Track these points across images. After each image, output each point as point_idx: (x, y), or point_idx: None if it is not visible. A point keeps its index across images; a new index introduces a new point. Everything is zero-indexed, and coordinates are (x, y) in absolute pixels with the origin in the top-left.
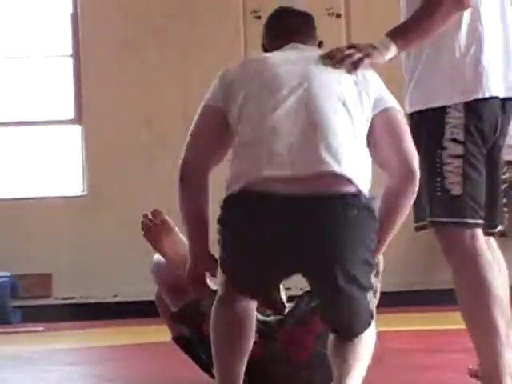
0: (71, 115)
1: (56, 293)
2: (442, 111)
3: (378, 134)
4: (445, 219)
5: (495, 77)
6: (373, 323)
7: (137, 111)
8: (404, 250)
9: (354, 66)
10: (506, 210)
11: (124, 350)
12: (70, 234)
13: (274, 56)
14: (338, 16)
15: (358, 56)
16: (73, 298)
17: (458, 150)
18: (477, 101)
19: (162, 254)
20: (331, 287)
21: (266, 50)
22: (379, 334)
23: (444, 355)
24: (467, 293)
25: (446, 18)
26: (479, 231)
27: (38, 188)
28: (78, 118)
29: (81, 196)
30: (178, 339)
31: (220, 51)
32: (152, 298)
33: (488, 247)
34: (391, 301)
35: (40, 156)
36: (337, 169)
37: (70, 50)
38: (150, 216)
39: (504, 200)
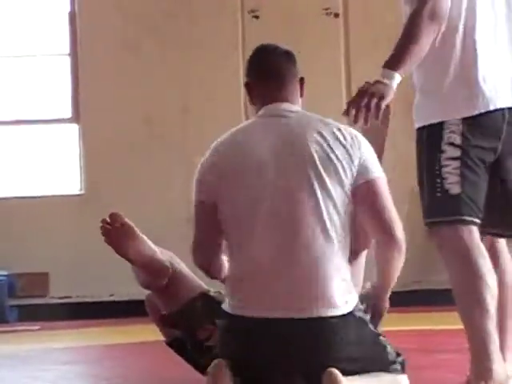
0: (69, 114)
1: (53, 292)
2: (440, 125)
3: (361, 205)
4: (443, 218)
5: (495, 90)
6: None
7: (134, 110)
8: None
9: (376, 117)
10: None
11: (120, 349)
12: (67, 233)
13: (252, 141)
14: (336, 15)
15: (374, 103)
16: (70, 297)
17: (456, 152)
18: (474, 117)
19: (127, 258)
20: None
21: (248, 88)
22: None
23: (440, 355)
24: (461, 286)
25: (429, 33)
26: (475, 229)
27: (35, 187)
28: (76, 117)
29: (78, 195)
30: (171, 342)
31: (218, 50)
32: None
33: (496, 249)
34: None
35: (37, 155)
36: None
37: (67, 49)
38: (108, 220)
39: None
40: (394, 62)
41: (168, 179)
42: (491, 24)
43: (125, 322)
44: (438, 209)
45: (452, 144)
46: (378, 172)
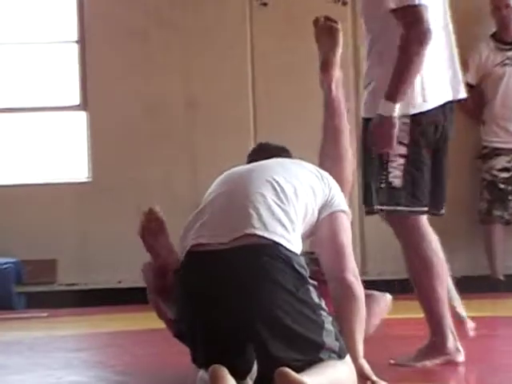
0: (77, 101)
1: (60, 279)
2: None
3: (321, 236)
4: (386, 207)
5: (439, 87)
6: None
7: (142, 98)
8: None
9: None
10: (511, 198)
11: (127, 336)
12: (74, 220)
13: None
14: (344, 3)
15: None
16: (77, 284)
17: (402, 150)
18: (420, 113)
19: (155, 254)
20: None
21: None
22: (384, 321)
23: None
24: (413, 267)
25: (421, 57)
26: (418, 216)
27: (43, 174)
28: (84, 105)
29: (86, 182)
30: (180, 336)
31: (225, 39)
32: None
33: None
34: (394, 288)
35: (45, 142)
36: (248, 231)
37: (75, 36)
38: (146, 215)
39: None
40: (393, 94)
41: (174, 167)
42: (441, 19)
43: (132, 309)
44: (382, 198)
45: (400, 142)
46: (343, 206)
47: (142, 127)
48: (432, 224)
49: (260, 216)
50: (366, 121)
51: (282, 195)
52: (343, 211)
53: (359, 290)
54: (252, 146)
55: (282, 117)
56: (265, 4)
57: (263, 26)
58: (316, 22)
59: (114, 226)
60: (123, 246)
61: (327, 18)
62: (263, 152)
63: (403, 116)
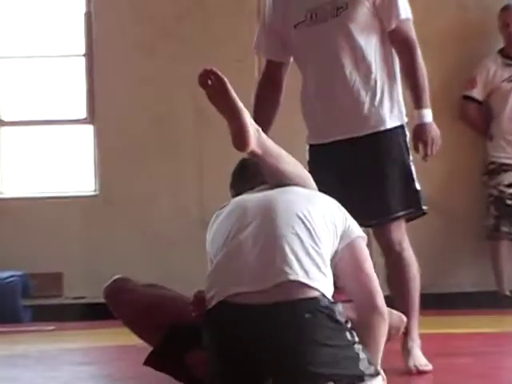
0: (84, 115)
1: (67, 292)
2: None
3: (343, 267)
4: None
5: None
6: None
7: (149, 111)
8: (417, 252)
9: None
10: None
11: (135, 349)
12: (81, 234)
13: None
14: None
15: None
16: (84, 297)
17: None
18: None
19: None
20: None
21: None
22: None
23: (455, 359)
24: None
25: None
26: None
27: (50, 187)
28: (91, 118)
29: (92, 195)
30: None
31: (233, 52)
32: None
33: None
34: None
35: (52, 155)
36: (291, 277)
37: (83, 50)
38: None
39: None
40: (425, 101)
41: (181, 180)
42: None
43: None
44: (411, 201)
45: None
46: (359, 232)
47: (149, 141)
48: (438, 240)
49: (300, 261)
50: (396, 128)
51: (314, 235)
52: (360, 237)
53: (386, 315)
54: None
55: (290, 130)
56: None
57: None
58: (203, 83)
59: (120, 239)
60: (130, 259)
61: (211, 74)
62: (246, 173)
63: (403, 125)
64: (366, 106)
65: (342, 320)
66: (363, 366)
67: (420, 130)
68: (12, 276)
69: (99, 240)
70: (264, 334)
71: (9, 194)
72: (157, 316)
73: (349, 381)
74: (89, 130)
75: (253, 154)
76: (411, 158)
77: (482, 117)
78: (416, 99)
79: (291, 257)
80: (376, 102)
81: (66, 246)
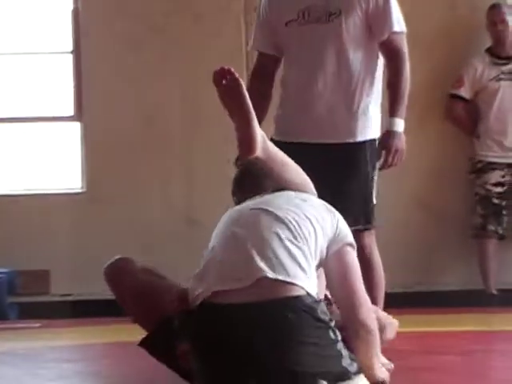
0: (71, 112)
1: (54, 289)
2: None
3: (330, 274)
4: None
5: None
6: None
7: (137, 109)
8: (404, 250)
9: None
10: (505, 213)
11: (122, 347)
12: (68, 231)
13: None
14: None
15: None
16: (71, 294)
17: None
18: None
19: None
20: None
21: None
22: None
23: (440, 357)
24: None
25: None
26: None
27: (36, 184)
28: (78, 115)
29: (79, 193)
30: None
31: (221, 49)
32: None
33: None
34: (390, 302)
35: (39, 152)
36: (270, 274)
37: (70, 47)
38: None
39: (504, 203)
40: (402, 111)
41: (169, 179)
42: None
43: (127, 321)
44: (372, 216)
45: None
46: (350, 238)
47: (136, 138)
48: (425, 239)
49: (279, 259)
50: (364, 143)
51: (297, 235)
52: (350, 244)
53: (375, 327)
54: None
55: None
56: None
57: None
58: (217, 82)
59: (107, 236)
60: (117, 256)
61: (228, 73)
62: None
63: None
64: (340, 115)
65: (326, 318)
66: (346, 363)
67: (387, 137)
68: None
69: (86, 237)
70: (246, 334)
71: None
72: (152, 304)
73: (333, 378)
74: (76, 127)
75: (257, 158)
76: (376, 173)
77: (469, 116)
78: (393, 107)
79: (270, 255)
80: (351, 114)
81: (53, 244)
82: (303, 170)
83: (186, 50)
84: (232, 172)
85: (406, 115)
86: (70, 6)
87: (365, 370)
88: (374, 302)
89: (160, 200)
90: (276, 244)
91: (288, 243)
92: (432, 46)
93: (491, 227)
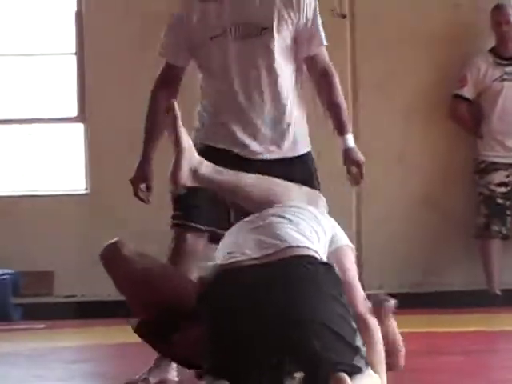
0: (75, 113)
1: (58, 291)
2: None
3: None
4: None
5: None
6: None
7: (140, 110)
8: (408, 250)
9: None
10: (508, 213)
11: (126, 348)
12: (72, 232)
13: None
14: (343, 16)
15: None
16: (75, 295)
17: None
18: None
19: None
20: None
21: None
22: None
23: (443, 357)
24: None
25: None
26: None
27: (40, 186)
28: (82, 116)
29: (83, 194)
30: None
31: None
32: None
33: None
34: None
35: (43, 154)
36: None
37: (73, 48)
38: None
39: (508, 203)
40: (348, 126)
41: None
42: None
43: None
44: None
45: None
46: (346, 241)
47: (140, 139)
48: (429, 239)
49: (288, 232)
50: (302, 156)
51: (303, 231)
52: (348, 246)
53: (374, 323)
54: None
55: None
56: None
57: None
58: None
59: (111, 237)
60: None
61: (171, 107)
62: None
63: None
64: (279, 130)
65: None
66: (359, 342)
67: (352, 153)
68: (3, 274)
69: (90, 238)
70: (269, 286)
71: (0, 192)
72: (149, 291)
73: (344, 348)
74: (79, 128)
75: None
76: (319, 182)
77: (472, 116)
78: (342, 125)
79: (279, 232)
80: (289, 128)
81: (57, 245)
82: None
83: None
84: None
85: (411, 115)
86: (74, 8)
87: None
88: None
89: (164, 201)
90: (289, 227)
91: (302, 227)
92: (435, 45)
93: (495, 227)
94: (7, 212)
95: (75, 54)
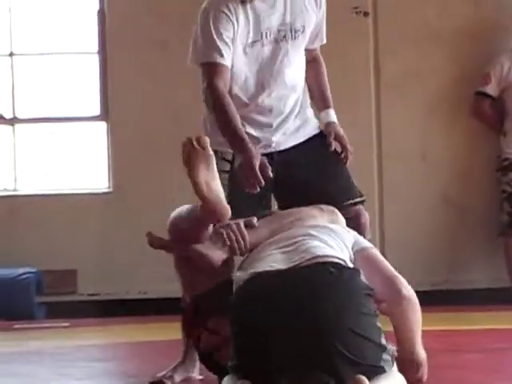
0: (97, 112)
1: (81, 289)
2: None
3: (362, 268)
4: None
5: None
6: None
7: (163, 109)
8: (430, 248)
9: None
10: None
11: (150, 346)
12: (95, 231)
13: None
14: (366, 14)
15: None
16: (98, 294)
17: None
18: None
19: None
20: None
21: None
22: None
23: (464, 355)
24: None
25: None
26: None
27: (64, 184)
28: (104, 115)
29: (106, 192)
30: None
31: None
32: (178, 295)
33: None
34: None
35: (66, 152)
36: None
37: (96, 47)
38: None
39: None
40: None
41: None
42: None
43: (154, 320)
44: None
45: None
46: (368, 244)
47: (163, 137)
48: (452, 236)
49: (315, 246)
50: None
51: (325, 242)
52: (371, 247)
53: (415, 299)
54: None
55: None
56: None
57: None
58: (186, 146)
59: (134, 235)
60: (144, 255)
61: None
62: None
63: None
64: (308, 114)
65: (368, 285)
66: (384, 339)
67: (336, 127)
68: (26, 273)
69: (113, 237)
70: (298, 290)
71: (23, 191)
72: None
73: (370, 349)
74: (102, 126)
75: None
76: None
77: (495, 113)
78: (326, 100)
79: (303, 247)
80: (309, 111)
81: (80, 243)
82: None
83: None
84: None
85: (433, 112)
86: (96, 7)
87: (407, 347)
88: None
89: (187, 199)
90: (315, 242)
91: (326, 239)
92: (459, 43)
93: None
94: (30, 211)
95: (98, 52)
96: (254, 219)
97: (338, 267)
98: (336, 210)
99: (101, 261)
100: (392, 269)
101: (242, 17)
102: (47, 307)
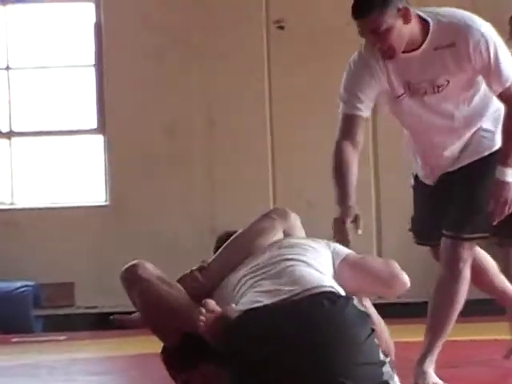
0: (94, 125)
1: (79, 302)
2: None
3: (349, 274)
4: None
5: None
6: None
7: (160, 121)
8: (426, 259)
9: None
10: None
11: (148, 359)
12: (92, 244)
13: None
14: None
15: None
16: (95, 307)
17: None
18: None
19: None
20: None
21: None
22: (401, 344)
23: (463, 367)
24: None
25: None
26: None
27: (61, 197)
28: (101, 128)
29: (103, 206)
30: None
31: (242, 62)
32: None
33: None
34: (411, 312)
35: (63, 166)
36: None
37: (93, 60)
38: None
39: None
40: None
41: (192, 191)
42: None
43: (151, 333)
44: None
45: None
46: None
47: (160, 150)
48: None
49: (310, 274)
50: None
51: (309, 261)
52: (350, 253)
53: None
54: (270, 168)
55: (300, 137)
56: (282, 27)
57: (280, 48)
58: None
59: (131, 248)
60: None
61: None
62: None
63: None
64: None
65: (361, 308)
66: (381, 353)
67: (497, 187)
68: (24, 286)
69: (110, 250)
70: (300, 325)
71: (20, 204)
72: (170, 316)
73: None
74: (99, 140)
75: None
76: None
77: None
78: (506, 156)
79: (298, 274)
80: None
81: (78, 256)
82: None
83: (208, 62)
84: (255, 182)
85: None
86: (93, 20)
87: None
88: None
89: (184, 212)
90: (301, 266)
91: (311, 262)
92: None
93: None
94: (27, 224)
95: (94, 65)
96: (205, 262)
97: (331, 298)
98: (287, 210)
99: (98, 274)
100: (377, 262)
101: None
102: (44, 320)
